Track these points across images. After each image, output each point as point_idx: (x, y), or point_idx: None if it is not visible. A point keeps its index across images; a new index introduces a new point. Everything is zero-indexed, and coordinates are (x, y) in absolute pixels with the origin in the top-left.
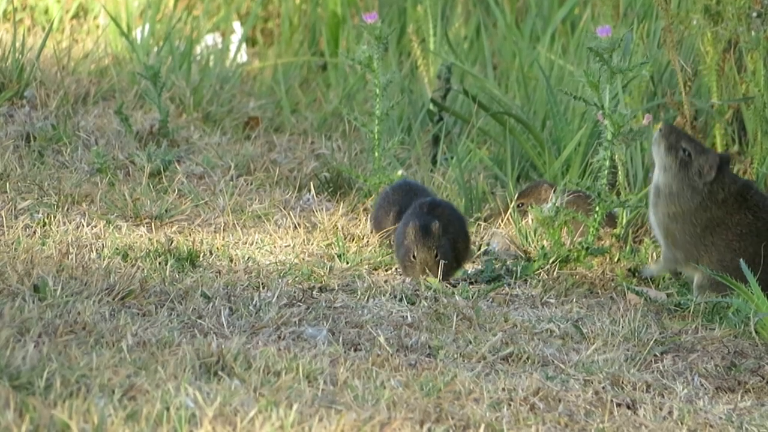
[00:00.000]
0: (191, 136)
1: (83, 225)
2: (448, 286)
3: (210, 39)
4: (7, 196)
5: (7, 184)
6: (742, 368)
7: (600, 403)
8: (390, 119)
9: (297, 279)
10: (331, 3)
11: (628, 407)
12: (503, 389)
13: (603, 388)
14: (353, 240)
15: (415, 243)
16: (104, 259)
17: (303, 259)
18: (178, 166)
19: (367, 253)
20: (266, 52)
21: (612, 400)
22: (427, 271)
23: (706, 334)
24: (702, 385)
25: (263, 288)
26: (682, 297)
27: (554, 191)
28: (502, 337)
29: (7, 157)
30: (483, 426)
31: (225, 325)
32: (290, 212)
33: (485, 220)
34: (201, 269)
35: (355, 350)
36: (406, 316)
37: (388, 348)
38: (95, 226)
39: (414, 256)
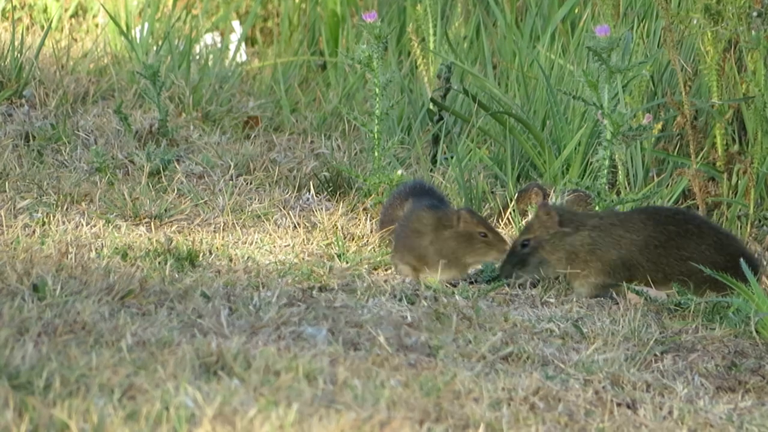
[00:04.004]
0: (190, 135)
1: (82, 224)
2: (448, 285)
3: (209, 38)
4: (6, 196)
5: (6, 183)
6: (742, 368)
7: (600, 403)
8: (390, 119)
9: (297, 279)
10: (330, 2)
11: (628, 407)
12: (503, 389)
13: (603, 387)
14: (353, 240)
15: (480, 223)
16: (103, 259)
17: (303, 258)
18: (177, 166)
19: (367, 253)
20: (266, 51)
21: (612, 400)
22: (502, 252)
23: (707, 333)
24: (702, 384)
25: (263, 288)
26: (683, 296)
27: (549, 192)
28: (502, 337)
29: (6, 157)
30: (483, 425)
31: (225, 325)
32: (290, 212)
33: None
34: (200, 269)
35: (355, 350)
36: (406, 316)
37: (387, 348)
38: (94, 226)
39: (485, 235)
